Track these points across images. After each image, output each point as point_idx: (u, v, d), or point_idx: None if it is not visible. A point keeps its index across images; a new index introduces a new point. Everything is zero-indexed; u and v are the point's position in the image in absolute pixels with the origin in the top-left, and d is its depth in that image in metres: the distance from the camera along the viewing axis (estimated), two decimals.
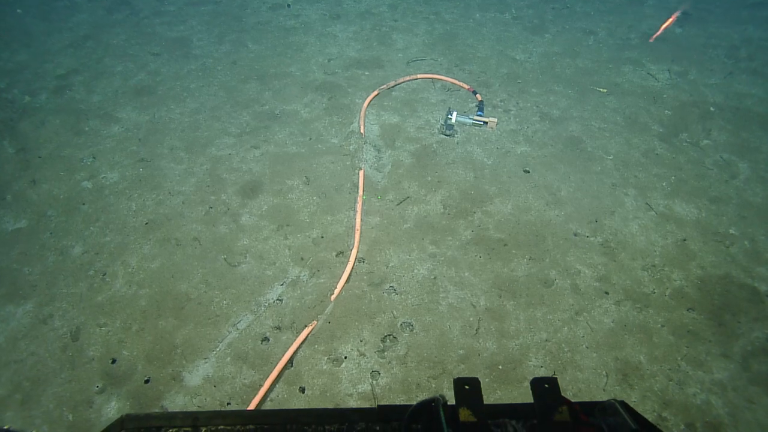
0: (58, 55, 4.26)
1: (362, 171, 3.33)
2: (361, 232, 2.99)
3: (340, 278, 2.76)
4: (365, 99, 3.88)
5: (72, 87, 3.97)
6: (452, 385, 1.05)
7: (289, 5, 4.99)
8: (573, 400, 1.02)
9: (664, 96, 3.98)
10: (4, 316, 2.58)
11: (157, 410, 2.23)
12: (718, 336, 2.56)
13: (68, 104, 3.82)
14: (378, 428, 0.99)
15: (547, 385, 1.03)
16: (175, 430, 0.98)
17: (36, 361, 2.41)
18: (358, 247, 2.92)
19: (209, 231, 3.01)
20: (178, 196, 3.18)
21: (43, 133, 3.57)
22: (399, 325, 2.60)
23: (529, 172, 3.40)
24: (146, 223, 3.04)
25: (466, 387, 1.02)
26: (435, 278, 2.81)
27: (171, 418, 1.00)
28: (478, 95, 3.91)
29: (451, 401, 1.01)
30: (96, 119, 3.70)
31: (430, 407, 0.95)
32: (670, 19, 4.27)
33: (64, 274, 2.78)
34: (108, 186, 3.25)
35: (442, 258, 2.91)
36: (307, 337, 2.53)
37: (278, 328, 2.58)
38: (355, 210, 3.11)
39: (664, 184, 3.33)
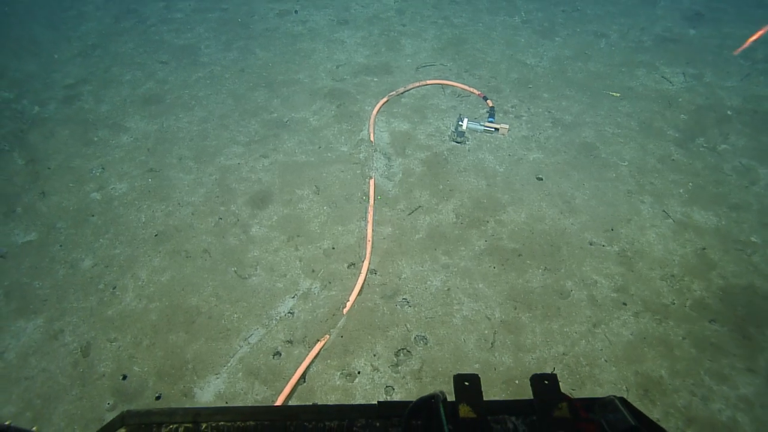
0: (66, 65, 4.26)
1: (373, 180, 3.28)
2: (372, 243, 2.94)
3: (352, 290, 2.72)
4: (374, 106, 3.83)
5: (81, 97, 3.96)
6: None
7: (296, 11, 4.97)
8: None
9: (679, 100, 3.90)
10: (15, 331, 2.56)
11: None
12: (742, 349, 2.48)
13: (77, 114, 3.81)
14: (378, 424, 0.98)
15: (546, 382, 1.02)
16: (175, 426, 0.98)
17: (47, 378, 2.39)
18: (370, 259, 2.87)
19: (219, 242, 2.97)
20: (187, 207, 3.16)
21: (52, 144, 3.56)
22: (413, 338, 2.56)
23: (542, 179, 3.34)
24: (156, 235, 3.01)
25: (466, 383, 1.02)
26: (448, 290, 2.76)
27: (171, 414, 1.00)
28: (488, 101, 3.86)
29: (452, 398, 1.00)
30: (105, 129, 3.69)
31: (429, 403, 0.94)
32: (762, 31, 4.12)
33: (74, 288, 2.75)
34: (117, 197, 3.23)
35: (456, 269, 2.85)
36: (319, 351, 2.49)
37: (290, 342, 2.54)
38: (366, 220, 3.06)
39: (681, 190, 3.25)
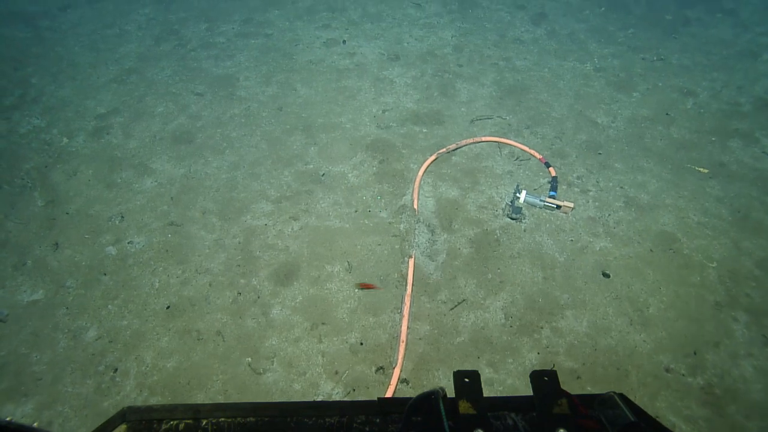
0: (101, 91, 4.06)
1: (412, 260, 2.88)
2: (406, 344, 2.55)
3: None
4: (421, 164, 3.42)
5: (110, 129, 3.74)
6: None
7: (344, 41, 4.61)
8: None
9: None
10: (1, 418, 2.32)
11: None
12: None
13: (104, 150, 3.59)
14: (378, 421, 0.98)
15: (546, 378, 1.01)
16: (176, 422, 0.98)
17: None
18: (402, 365, 2.48)
19: (235, 324, 2.65)
20: (205, 276, 2.85)
21: (74, 185, 3.35)
22: None
23: (609, 276, 2.85)
24: (168, 307, 2.72)
25: (466, 380, 1.01)
26: None
27: (172, 410, 1.02)
28: (551, 168, 3.37)
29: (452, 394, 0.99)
30: (130, 170, 3.45)
31: (429, 400, 0.94)
32: None
33: (72, 366, 2.50)
34: (133, 254, 2.97)
35: (501, 387, 2.42)
36: None
37: None
38: (401, 313, 2.67)
39: None
